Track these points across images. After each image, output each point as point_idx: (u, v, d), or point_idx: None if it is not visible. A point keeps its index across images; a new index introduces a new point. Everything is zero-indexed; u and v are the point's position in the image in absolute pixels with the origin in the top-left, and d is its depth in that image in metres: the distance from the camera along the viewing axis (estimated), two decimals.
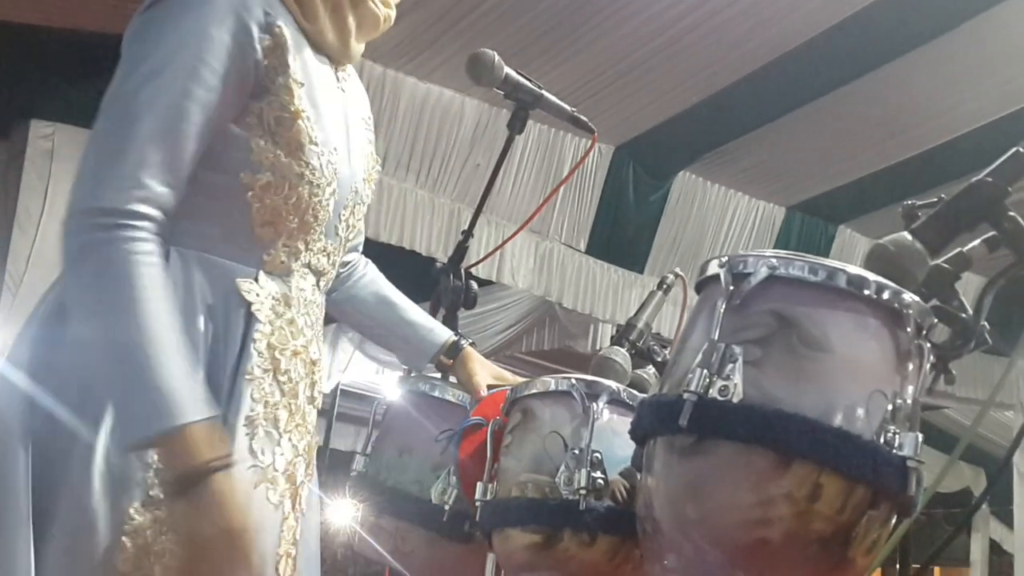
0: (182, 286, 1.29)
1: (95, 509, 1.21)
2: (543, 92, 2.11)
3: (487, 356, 1.96)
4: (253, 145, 1.32)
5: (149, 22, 1.30)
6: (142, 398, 1.17)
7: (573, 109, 2.16)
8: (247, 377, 1.32)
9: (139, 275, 1.20)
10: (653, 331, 2.00)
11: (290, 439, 1.37)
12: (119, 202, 1.21)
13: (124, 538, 1.22)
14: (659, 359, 1.96)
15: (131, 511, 1.23)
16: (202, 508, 1.17)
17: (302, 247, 1.40)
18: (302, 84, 1.36)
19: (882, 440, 1.14)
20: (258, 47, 1.32)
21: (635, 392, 1.63)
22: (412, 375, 1.96)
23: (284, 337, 1.38)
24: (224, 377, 1.32)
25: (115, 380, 1.20)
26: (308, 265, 1.42)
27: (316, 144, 1.36)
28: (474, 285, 2.11)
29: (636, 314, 2.01)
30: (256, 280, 1.36)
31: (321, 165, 1.37)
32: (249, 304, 1.34)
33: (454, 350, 1.84)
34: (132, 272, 1.20)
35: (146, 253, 1.22)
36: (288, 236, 1.37)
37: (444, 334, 1.85)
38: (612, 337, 2.01)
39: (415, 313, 1.84)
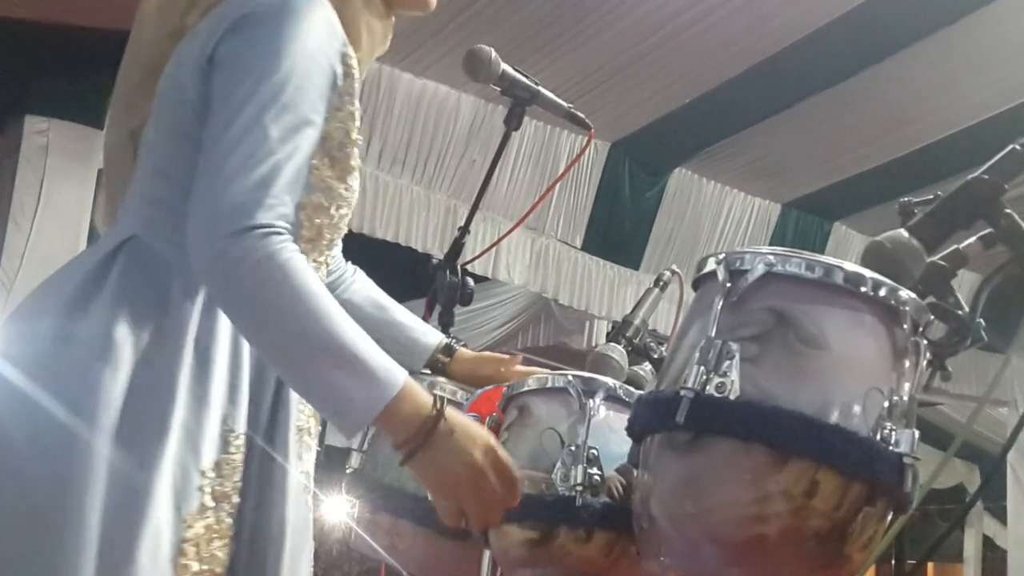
0: None
1: (161, 516, 1.22)
2: (539, 88, 2.10)
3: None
4: (311, 166, 1.32)
5: (250, 42, 1.29)
6: (359, 380, 1.20)
7: (570, 105, 2.16)
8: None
9: (307, 272, 1.22)
10: (649, 328, 2.00)
11: (315, 443, 1.42)
12: (269, 219, 1.22)
13: (185, 544, 1.24)
14: (656, 356, 1.96)
15: (189, 518, 1.25)
16: (443, 451, 1.22)
17: (321, 260, 1.43)
18: (360, 112, 1.39)
19: (878, 437, 1.14)
20: (339, 72, 1.33)
21: (631, 389, 1.63)
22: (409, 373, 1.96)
23: None
24: (268, 391, 1.35)
25: (323, 372, 1.21)
26: None
27: (356, 168, 1.40)
28: (470, 281, 2.12)
29: (632, 311, 2.01)
30: None
31: (355, 187, 1.41)
32: None
33: (449, 350, 1.88)
34: (298, 270, 1.21)
35: (298, 252, 1.23)
36: (318, 252, 1.40)
37: (437, 336, 1.90)
38: (608, 334, 2.00)
39: (406, 316, 1.88)
